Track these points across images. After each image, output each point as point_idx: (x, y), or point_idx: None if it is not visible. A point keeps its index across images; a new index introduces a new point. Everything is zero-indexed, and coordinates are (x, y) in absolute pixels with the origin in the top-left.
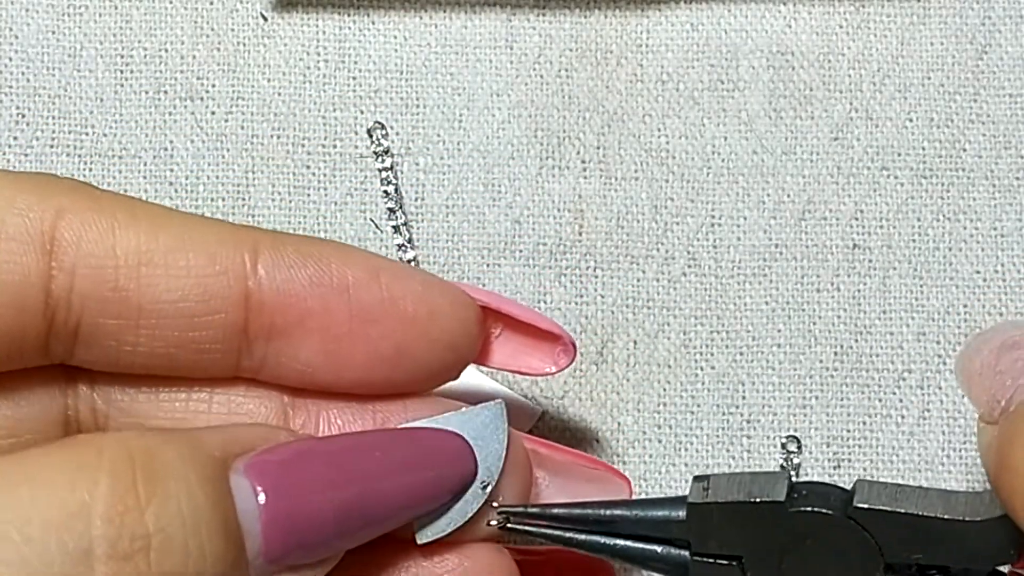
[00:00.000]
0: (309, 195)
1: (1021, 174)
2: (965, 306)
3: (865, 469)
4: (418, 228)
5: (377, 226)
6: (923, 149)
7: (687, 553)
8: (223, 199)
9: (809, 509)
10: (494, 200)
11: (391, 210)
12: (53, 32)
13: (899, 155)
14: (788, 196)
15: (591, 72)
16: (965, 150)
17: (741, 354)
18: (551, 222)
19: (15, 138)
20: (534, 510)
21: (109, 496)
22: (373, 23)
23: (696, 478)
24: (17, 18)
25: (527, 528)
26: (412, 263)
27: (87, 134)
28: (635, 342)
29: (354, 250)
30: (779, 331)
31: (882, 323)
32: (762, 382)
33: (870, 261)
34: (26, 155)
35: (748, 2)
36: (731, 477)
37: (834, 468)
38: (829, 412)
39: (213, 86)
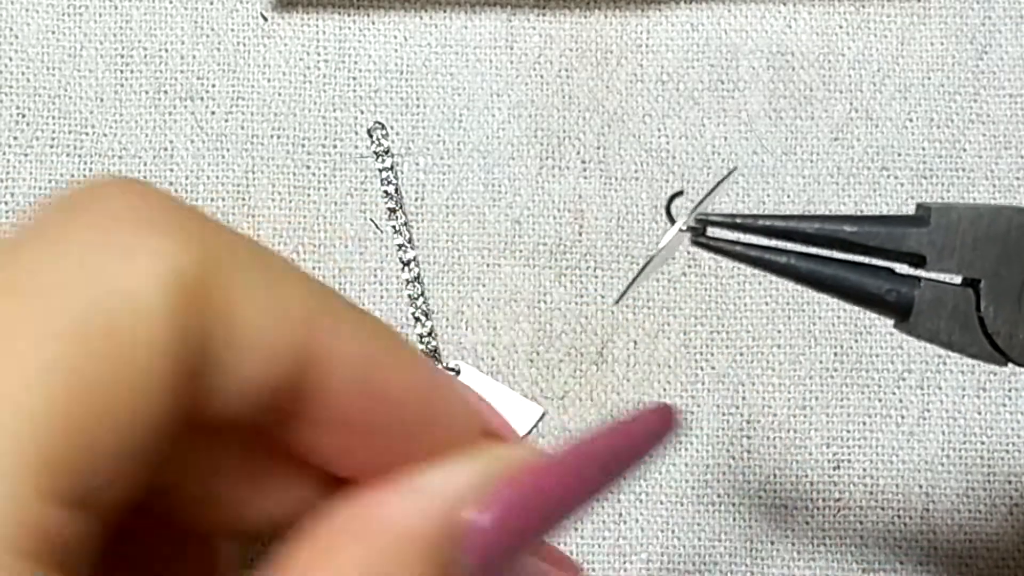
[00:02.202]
0: (309, 195)
1: (1021, 174)
2: None
3: (865, 469)
4: (418, 228)
5: (377, 226)
6: (923, 149)
7: (914, 292)
8: (223, 199)
9: None
10: (494, 200)
11: (391, 210)
12: (53, 32)
13: (899, 155)
14: (788, 196)
15: (591, 72)
16: (965, 150)
17: (741, 354)
18: (551, 222)
19: (15, 138)
20: (740, 220)
21: None
22: (373, 23)
23: (919, 205)
24: (17, 18)
25: (722, 247)
26: (412, 263)
27: (87, 134)
28: (635, 342)
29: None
30: (779, 331)
31: (882, 323)
32: (762, 382)
33: None
34: (26, 155)
35: (748, 2)
36: (967, 205)
37: (834, 468)
38: (829, 412)
39: (213, 86)
